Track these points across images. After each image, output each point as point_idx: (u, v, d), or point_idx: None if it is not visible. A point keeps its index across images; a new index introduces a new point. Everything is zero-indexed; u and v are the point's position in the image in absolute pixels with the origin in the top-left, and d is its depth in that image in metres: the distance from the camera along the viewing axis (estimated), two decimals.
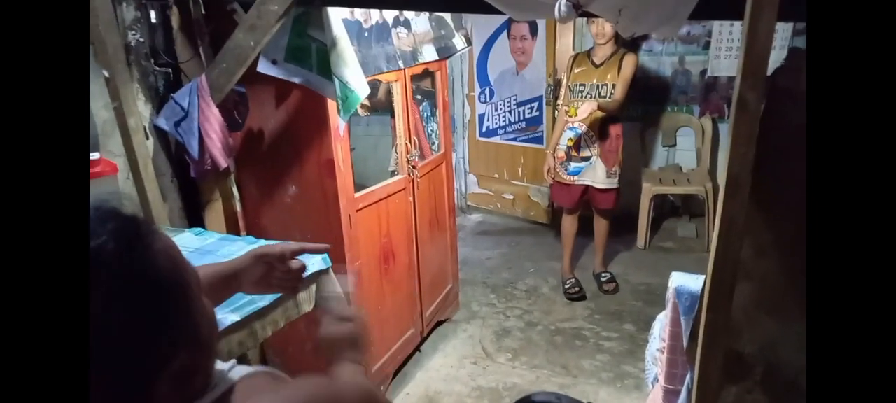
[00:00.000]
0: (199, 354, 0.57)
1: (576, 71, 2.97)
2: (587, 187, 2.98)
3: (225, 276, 0.86)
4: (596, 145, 2.92)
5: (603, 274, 3.17)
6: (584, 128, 2.90)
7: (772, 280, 1.02)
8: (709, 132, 3.79)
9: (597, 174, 2.94)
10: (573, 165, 2.97)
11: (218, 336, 0.62)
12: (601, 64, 2.89)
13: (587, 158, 2.94)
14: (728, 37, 3.72)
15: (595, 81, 2.89)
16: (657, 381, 1.68)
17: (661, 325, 1.72)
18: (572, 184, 2.99)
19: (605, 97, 2.85)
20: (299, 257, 0.90)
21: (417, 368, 2.53)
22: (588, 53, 2.98)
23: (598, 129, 2.90)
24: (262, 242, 1.67)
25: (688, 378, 1.40)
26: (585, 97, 2.89)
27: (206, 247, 1.65)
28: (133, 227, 0.53)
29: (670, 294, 1.50)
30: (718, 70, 3.79)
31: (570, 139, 2.94)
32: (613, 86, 2.84)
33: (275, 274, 0.87)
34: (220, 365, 0.63)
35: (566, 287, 3.10)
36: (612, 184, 2.96)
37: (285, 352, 2.19)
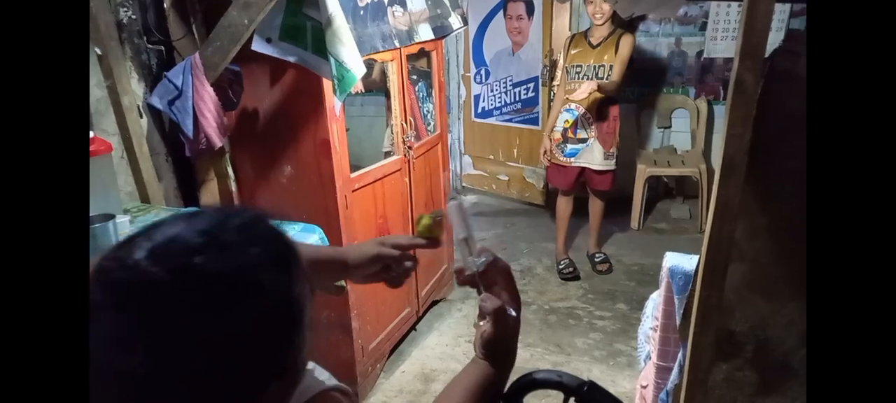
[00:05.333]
0: (302, 366, 0.57)
1: (573, 52, 2.96)
2: (583, 169, 2.99)
3: (331, 261, 0.87)
4: (593, 127, 2.92)
5: (597, 255, 3.20)
6: (581, 109, 2.90)
7: (764, 261, 1.03)
8: (704, 114, 3.80)
9: (594, 156, 2.95)
10: (570, 147, 2.97)
11: (314, 333, 0.60)
12: (598, 44, 2.87)
13: (584, 140, 2.94)
14: (725, 18, 3.71)
15: (592, 62, 2.87)
16: (649, 359, 1.71)
17: (654, 304, 1.74)
18: (569, 165, 2.99)
19: (602, 78, 2.84)
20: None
21: (413, 346, 2.56)
22: (585, 34, 2.96)
23: (596, 111, 2.89)
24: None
25: (680, 355, 1.43)
26: (582, 78, 2.88)
27: None
28: (287, 251, 0.53)
29: (664, 273, 1.52)
30: (715, 51, 3.78)
31: (567, 120, 2.94)
32: (611, 66, 2.83)
33: (390, 272, 0.89)
34: None
35: (560, 267, 3.13)
36: (610, 165, 2.97)
37: None
